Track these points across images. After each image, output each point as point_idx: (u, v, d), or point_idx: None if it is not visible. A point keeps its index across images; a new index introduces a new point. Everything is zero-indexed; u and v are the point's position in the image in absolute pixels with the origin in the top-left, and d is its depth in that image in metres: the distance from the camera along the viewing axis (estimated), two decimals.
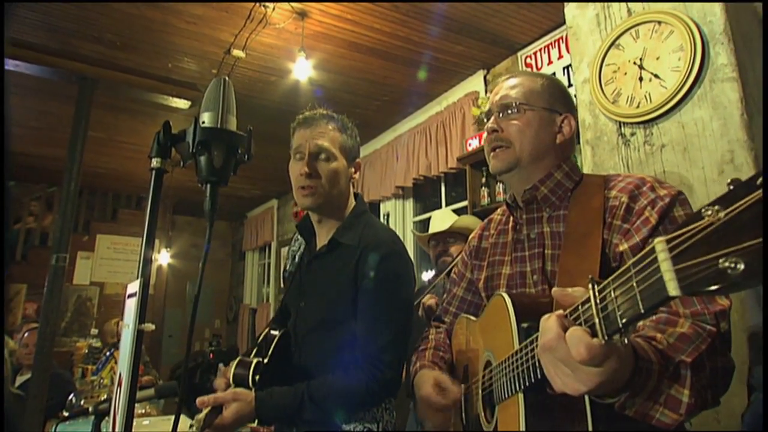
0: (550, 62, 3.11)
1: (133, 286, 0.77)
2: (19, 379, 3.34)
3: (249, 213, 8.04)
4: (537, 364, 0.68)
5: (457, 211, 2.93)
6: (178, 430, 0.78)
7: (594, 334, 0.56)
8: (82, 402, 2.75)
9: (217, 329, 8.39)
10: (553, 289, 0.66)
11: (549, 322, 0.61)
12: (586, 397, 0.70)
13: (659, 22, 1.68)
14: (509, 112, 1.00)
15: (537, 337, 0.65)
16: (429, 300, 2.32)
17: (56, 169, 4.45)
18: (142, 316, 0.73)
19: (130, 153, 5.30)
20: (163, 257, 6.81)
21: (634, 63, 1.75)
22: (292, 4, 2.81)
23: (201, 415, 1.09)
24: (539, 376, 0.68)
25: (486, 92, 3.52)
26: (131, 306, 0.76)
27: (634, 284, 0.49)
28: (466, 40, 3.18)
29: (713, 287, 0.39)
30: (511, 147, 0.99)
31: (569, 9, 2.03)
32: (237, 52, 3.29)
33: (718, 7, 1.54)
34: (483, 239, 1.16)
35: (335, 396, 1.13)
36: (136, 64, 3.56)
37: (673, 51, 1.63)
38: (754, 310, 1.30)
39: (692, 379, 0.66)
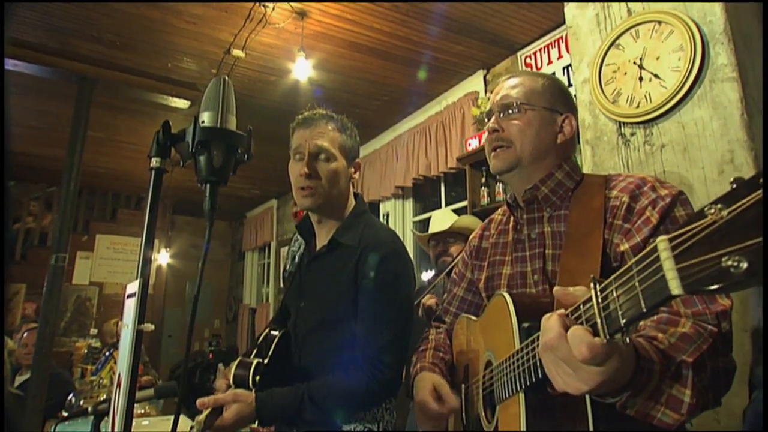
0: (549, 62, 3.11)
1: (133, 286, 0.76)
2: (18, 379, 3.33)
3: (248, 213, 8.04)
4: (538, 363, 0.68)
5: (456, 211, 2.92)
6: (177, 430, 0.77)
7: (596, 333, 0.56)
8: (81, 402, 2.75)
9: (216, 329, 8.39)
10: (555, 288, 0.66)
11: (550, 321, 0.61)
12: (587, 397, 0.70)
13: (659, 22, 1.68)
14: (510, 111, 1.00)
15: (538, 337, 0.65)
16: (429, 300, 2.32)
17: (55, 169, 4.44)
18: (141, 316, 0.73)
19: (130, 153, 5.30)
20: (162, 257, 6.81)
21: (634, 63, 1.74)
22: (292, 3, 2.81)
23: (201, 417, 1.09)
24: (540, 375, 0.68)
25: (486, 92, 3.52)
26: (130, 306, 0.76)
27: (636, 283, 0.49)
28: (465, 40, 3.17)
29: (716, 286, 0.39)
30: (512, 147, 0.99)
31: (569, 9, 2.03)
32: (236, 52, 3.29)
33: (718, 7, 1.54)
34: (483, 239, 1.15)
35: (335, 396, 1.13)
36: (136, 63, 3.56)
37: (673, 51, 1.63)
38: (756, 309, 1.30)
39: (694, 379, 0.66)
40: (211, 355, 5.47)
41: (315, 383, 1.14)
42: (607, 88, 1.83)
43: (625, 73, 1.77)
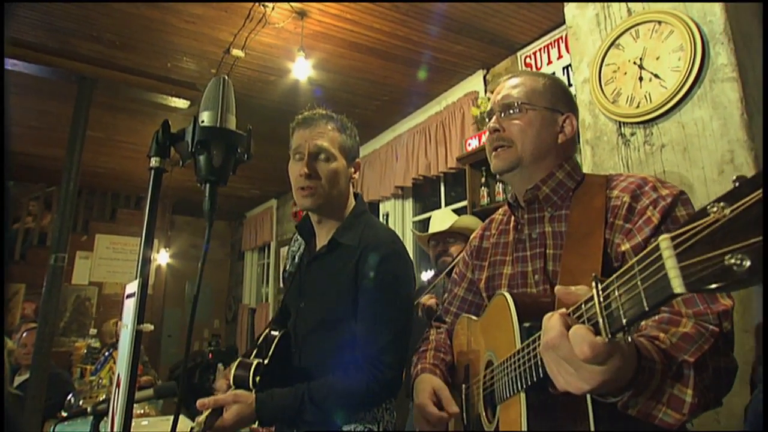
0: (549, 62, 3.11)
1: (132, 286, 0.76)
2: (18, 379, 3.33)
3: (248, 213, 8.03)
4: (539, 363, 0.68)
5: (456, 211, 2.92)
6: (177, 430, 0.77)
7: (597, 333, 0.55)
8: (80, 402, 2.74)
9: (216, 329, 8.39)
10: (556, 288, 0.66)
11: (552, 321, 0.61)
12: (588, 397, 0.69)
13: (659, 22, 1.68)
14: (511, 111, 1.00)
15: (539, 336, 0.65)
16: (428, 300, 2.32)
17: (55, 169, 4.44)
18: (140, 316, 0.73)
19: (129, 152, 5.30)
20: (162, 257, 6.80)
21: (634, 63, 1.74)
22: (292, 3, 2.81)
23: (201, 418, 1.09)
24: (541, 375, 0.68)
25: (485, 92, 3.52)
26: (130, 306, 0.76)
27: (638, 282, 0.49)
28: (465, 39, 3.17)
29: (718, 284, 0.39)
30: (513, 146, 0.99)
31: (569, 9, 2.03)
32: (236, 52, 3.29)
33: (718, 7, 1.54)
34: (484, 239, 1.15)
35: (336, 396, 1.13)
36: (135, 63, 3.55)
37: (673, 51, 1.63)
38: (758, 309, 1.30)
39: (695, 379, 0.66)
40: (210, 355, 5.45)
41: (315, 383, 1.14)
42: (607, 88, 1.82)
43: (625, 73, 1.77)
